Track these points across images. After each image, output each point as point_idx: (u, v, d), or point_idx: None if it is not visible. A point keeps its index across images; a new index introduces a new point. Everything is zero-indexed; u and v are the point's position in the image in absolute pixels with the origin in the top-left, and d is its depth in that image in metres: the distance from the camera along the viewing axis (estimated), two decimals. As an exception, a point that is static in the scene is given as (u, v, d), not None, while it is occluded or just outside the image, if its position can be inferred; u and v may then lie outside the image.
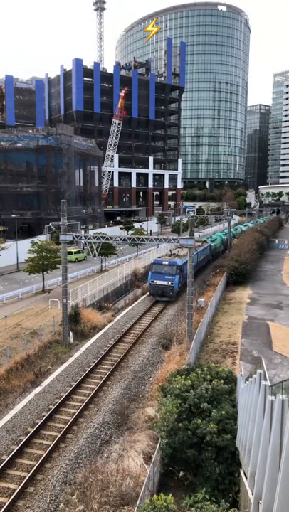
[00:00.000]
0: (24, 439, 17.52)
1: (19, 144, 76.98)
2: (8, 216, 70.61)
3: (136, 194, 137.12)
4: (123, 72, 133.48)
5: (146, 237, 30.39)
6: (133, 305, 39.74)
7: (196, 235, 54.24)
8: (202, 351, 28.37)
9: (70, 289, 37.16)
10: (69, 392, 21.61)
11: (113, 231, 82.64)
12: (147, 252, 63.11)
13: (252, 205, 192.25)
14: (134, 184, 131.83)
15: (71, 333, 30.22)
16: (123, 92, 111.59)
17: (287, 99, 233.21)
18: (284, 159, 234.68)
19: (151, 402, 20.45)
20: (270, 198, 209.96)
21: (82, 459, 16.69)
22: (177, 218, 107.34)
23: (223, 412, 14.96)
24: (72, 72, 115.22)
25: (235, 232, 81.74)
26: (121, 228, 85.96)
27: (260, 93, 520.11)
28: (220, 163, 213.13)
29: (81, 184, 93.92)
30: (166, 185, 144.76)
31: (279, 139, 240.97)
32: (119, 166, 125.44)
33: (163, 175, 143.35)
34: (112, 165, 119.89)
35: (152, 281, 40.14)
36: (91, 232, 67.87)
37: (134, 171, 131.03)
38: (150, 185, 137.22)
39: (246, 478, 11.98)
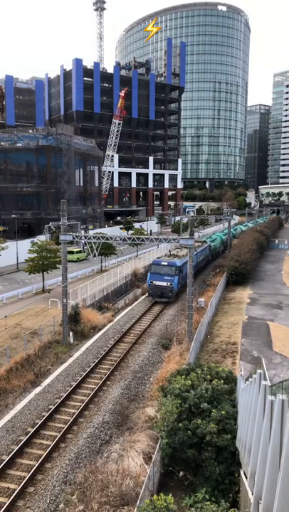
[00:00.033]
0: (24, 439, 17.52)
1: (19, 144, 76.99)
2: (8, 216, 70.62)
3: (136, 194, 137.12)
4: (123, 72, 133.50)
5: (146, 237, 30.39)
6: (133, 305, 39.74)
7: (196, 235, 54.07)
8: (202, 351, 28.36)
9: (70, 289, 37.16)
10: (69, 392, 21.61)
11: (113, 231, 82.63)
12: (147, 252, 63.11)
13: (252, 205, 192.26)
14: (134, 184, 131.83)
15: (71, 333, 30.22)
16: (123, 92, 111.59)
17: (287, 99, 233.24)
18: (284, 159, 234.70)
19: (151, 402, 20.45)
20: (270, 198, 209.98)
21: (82, 459, 16.69)
22: (177, 218, 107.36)
23: (223, 412, 14.96)
24: (72, 72, 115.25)
25: (234, 233, 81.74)
26: (121, 228, 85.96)
27: (260, 93, 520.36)
28: (220, 163, 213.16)
29: (81, 184, 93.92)
30: (166, 185, 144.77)
31: (279, 139, 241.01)
32: (119, 166, 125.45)
33: (163, 175, 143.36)
34: (112, 165, 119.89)
35: (151, 282, 39.87)
36: (91, 232, 67.86)
37: (134, 171, 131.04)
38: (150, 185, 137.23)
39: (246, 478, 11.98)
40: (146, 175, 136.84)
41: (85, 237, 31.90)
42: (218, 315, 37.15)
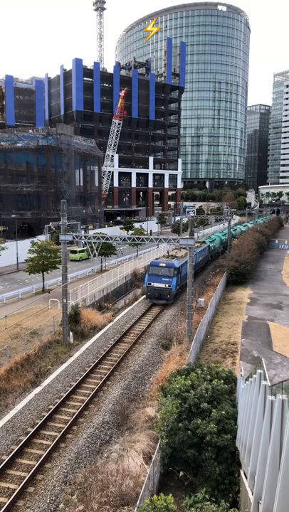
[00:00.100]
0: (24, 439, 17.52)
1: (19, 144, 77.03)
2: (8, 216, 70.69)
3: (136, 194, 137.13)
4: (123, 72, 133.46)
5: (146, 237, 30.37)
6: (133, 305, 39.71)
7: (195, 235, 53.85)
8: (202, 351, 28.36)
9: (70, 289, 37.18)
10: (69, 392, 21.60)
11: (113, 231, 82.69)
12: (147, 252, 63.12)
13: (252, 205, 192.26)
14: (134, 184, 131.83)
15: (71, 333, 30.22)
16: (123, 92, 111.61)
17: (287, 99, 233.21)
18: (284, 159, 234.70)
19: (151, 402, 20.44)
20: (270, 198, 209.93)
21: (82, 459, 16.69)
22: (177, 218, 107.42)
23: (223, 412, 14.95)
24: (72, 72, 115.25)
25: (234, 233, 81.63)
26: (121, 228, 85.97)
27: (260, 93, 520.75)
28: (220, 163, 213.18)
29: (81, 184, 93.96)
30: (166, 185, 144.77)
31: (279, 139, 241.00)
32: (119, 166, 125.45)
33: (163, 175, 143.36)
34: (112, 165, 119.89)
35: (149, 284, 39.05)
36: (91, 232, 67.90)
37: (134, 171, 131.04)
38: (150, 185, 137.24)
39: (246, 478, 11.97)
40: (146, 175, 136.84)
41: (85, 237, 31.88)
42: (218, 315, 37.15)
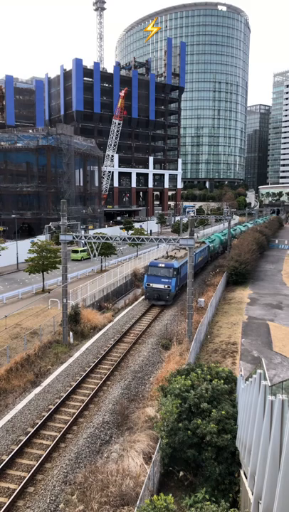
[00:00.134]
0: (24, 439, 17.53)
1: (19, 144, 77.05)
2: (8, 216, 70.71)
3: (136, 194, 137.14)
4: (123, 72, 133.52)
5: (146, 237, 30.38)
6: (133, 305, 39.70)
7: (195, 235, 53.57)
8: (202, 351, 28.36)
9: (70, 289, 37.19)
10: (69, 392, 21.60)
11: (113, 231, 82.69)
12: (147, 252, 63.12)
13: (252, 205, 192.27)
14: (134, 184, 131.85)
15: (71, 333, 30.22)
16: (123, 92, 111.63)
17: (287, 99, 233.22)
18: (284, 159, 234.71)
19: (151, 402, 20.44)
20: (270, 198, 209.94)
21: (82, 459, 16.69)
22: (177, 218, 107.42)
23: (223, 412, 14.95)
24: (72, 72, 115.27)
25: (234, 233, 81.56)
26: (121, 228, 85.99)
27: (260, 93, 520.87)
28: (220, 163, 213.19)
29: (81, 184, 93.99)
30: (166, 185, 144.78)
31: (279, 139, 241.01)
32: (119, 166, 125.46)
33: (163, 175, 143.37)
34: (112, 165, 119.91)
35: (148, 285, 38.67)
36: (91, 232, 67.91)
37: (134, 171, 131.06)
38: (150, 185, 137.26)
39: (246, 478, 11.97)
40: (146, 175, 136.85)
41: (85, 237, 31.89)
42: (218, 315, 37.15)
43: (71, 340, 29.84)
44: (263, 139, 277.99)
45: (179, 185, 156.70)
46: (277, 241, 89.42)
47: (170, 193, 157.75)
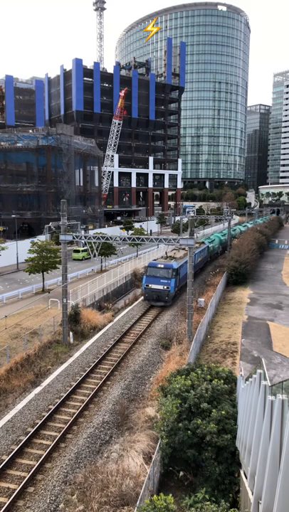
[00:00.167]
0: (24, 439, 17.53)
1: (19, 144, 77.06)
2: (8, 216, 70.72)
3: (136, 194, 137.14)
4: (123, 72, 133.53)
5: (146, 237, 30.37)
6: (133, 305, 39.69)
7: (194, 235, 53.18)
8: (202, 351, 28.37)
9: (70, 289, 37.19)
10: (69, 392, 21.61)
11: (113, 231, 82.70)
12: (147, 252, 63.12)
13: (252, 205, 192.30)
14: (134, 184, 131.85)
15: (71, 333, 30.22)
16: (123, 92, 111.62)
17: (287, 99, 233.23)
18: (284, 159, 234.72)
19: (151, 402, 20.45)
20: (270, 198, 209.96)
21: (82, 459, 16.70)
22: (177, 218, 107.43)
23: (223, 412, 14.96)
24: (72, 72, 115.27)
25: (233, 233, 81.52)
26: (121, 228, 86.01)
27: (260, 93, 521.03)
28: (220, 163, 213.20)
29: (81, 184, 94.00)
30: (166, 185, 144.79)
31: (279, 139, 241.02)
32: (119, 166, 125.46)
33: (163, 175, 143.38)
34: (112, 165, 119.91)
35: (147, 285, 38.41)
36: (91, 232, 67.91)
37: (134, 171, 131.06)
38: (150, 185, 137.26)
39: (246, 478, 11.98)
40: (146, 175, 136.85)
41: (85, 237, 31.89)
42: (218, 315, 37.15)
43: (71, 340, 29.85)
44: (263, 139, 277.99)
45: (179, 185, 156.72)
46: (277, 241, 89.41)
47: (170, 193, 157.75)
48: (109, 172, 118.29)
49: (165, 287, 37.70)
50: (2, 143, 77.34)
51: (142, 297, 41.80)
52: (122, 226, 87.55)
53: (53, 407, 20.06)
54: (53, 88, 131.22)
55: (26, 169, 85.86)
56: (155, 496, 11.85)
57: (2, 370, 23.15)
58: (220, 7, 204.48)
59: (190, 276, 28.79)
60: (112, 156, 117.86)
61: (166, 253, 45.88)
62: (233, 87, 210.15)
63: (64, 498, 14.37)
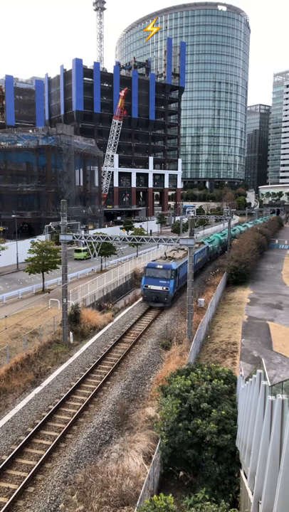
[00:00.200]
0: (24, 439, 17.53)
1: (19, 144, 77.08)
2: (8, 216, 70.73)
3: (136, 194, 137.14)
4: (123, 72, 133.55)
5: (146, 237, 30.37)
6: (133, 305, 39.68)
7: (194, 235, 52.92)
8: (202, 351, 28.37)
9: (70, 289, 37.19)
10: (69, 392, 21.60)
11: (113, 231, 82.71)
12: (147, 252, 63.12)
13: (252, 205, 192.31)
14: (134, 184, 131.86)
15: (71, 333, 30.22)
16: (123, 92, 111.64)
17: (287, 99, 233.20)
18: (284, 159, 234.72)
19: (151, 402, 20.45)
20: (270, 198, 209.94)
21: (82, 459, 16.70)
22: (177, 218, 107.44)
23: (223, 412, 14.96)
24: (72, 72, 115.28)
25: (233, 233, 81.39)
26: (121, 228, 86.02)
27: (260, 93, 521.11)
28: (220, 163, 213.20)
29: (81, 184, 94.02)
30: (166, 185, 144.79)
31: (279, 139, 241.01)
32: (119, 166, 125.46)
33: (163, 175, 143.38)
34: (112, 165, 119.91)
35: (146, 286, 38.08)
36: (91, 232, 67.92)
37: (134, 171, 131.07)
38: (150, 185, 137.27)
39: (246, 478, 11.98)
40: (146, 175, 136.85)
41: (85, 237, 31.89)
42: (218, 315, 37.14)
43: (71, 340, 29.85)
44: (263, 139, 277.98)
45: (179, 185, 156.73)
46: (277, 241, 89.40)
47: (170, 193, 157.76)
48: (109, 172, 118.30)
49: (164, 288, 37.38)
50: (2, 143, 77.36)
51: (142, 298, 41.80)
52: (122, 226, 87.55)
53: (53, 407, 20.06)
54: (53, 88, 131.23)
55: (26, 169, 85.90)
56: (155, 496, 11.85)
57: (2, 370, 23.15)
58: (220, 7, 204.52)
59: (190, 276, 28.80)
60: (112, 156, 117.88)
61: (165, 253, 45.48)
62: (233, 87, 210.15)
63: (64, 498, 14.37)
